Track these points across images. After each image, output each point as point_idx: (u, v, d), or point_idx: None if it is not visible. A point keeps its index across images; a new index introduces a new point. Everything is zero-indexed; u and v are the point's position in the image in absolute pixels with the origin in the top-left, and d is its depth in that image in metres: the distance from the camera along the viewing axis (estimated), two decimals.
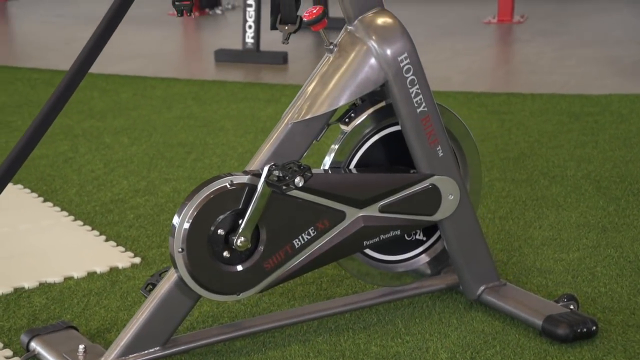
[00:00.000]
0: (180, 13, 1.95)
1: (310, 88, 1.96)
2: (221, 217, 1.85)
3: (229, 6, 6.48)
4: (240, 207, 1.86)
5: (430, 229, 2.15)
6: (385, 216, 2.00)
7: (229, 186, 1.85)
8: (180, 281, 1.86)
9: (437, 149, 2.01)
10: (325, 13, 1.92)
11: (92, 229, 2.64)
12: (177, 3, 1.94)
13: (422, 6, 6.52)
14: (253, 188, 1.86)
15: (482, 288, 2.13)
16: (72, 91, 1.81)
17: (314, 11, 1.92)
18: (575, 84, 4.26)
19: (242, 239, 1.85)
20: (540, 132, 3.50)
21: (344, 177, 1.99)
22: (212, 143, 3.43)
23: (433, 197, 2.03)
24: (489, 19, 5.89)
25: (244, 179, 1.87)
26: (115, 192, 2.93)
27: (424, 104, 1.97)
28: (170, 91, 4.21)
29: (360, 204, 1.97)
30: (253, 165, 1.93)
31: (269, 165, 1.85)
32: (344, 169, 2.03)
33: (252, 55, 4.83)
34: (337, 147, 2.01)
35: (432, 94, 1.99)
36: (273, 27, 1.88)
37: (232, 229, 1.86)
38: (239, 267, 1.88)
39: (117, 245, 2.53)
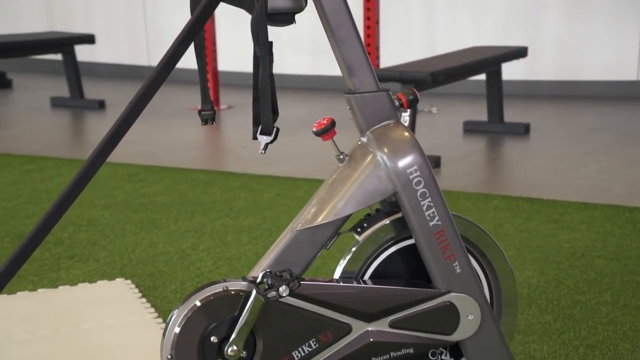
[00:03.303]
0: (205, 122, 2.00)
1: (318, 196, 1.92)
2: (214, 323, 1.83)
3: (429, 109, 6.55)
4: (235, 314, 1.83)
5: (458, 349, 2.00)
6: (396, 332, 1.89)
7: (223, 292, 1.84)
8: None
9: (454, 264, 1.89)
10: (334, 123, 1.90)
11: None
12: (202, 112, 1.99)
13: (614, 110, 6.18)
14: (248, 295, 1.83)
15: None
16: (88, 181, 1.83)
17: (324, 122, 1.90)
18: None
19: (234, 347, 1.81)
20: None
21: (351, 288, 1.90)
22: None
23: (450, 315, 1.89)
24: None
25: (240, 285, 1.84)
26: None
27: (437, 218, 1.87)
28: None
29: (368, 318, 1.88)
30: (256, 272, 1.91)
31: (263, 272, 1.83)
32: (357, 280, 1.95)
33: None
34: (348, 256, 1.95)
35: (447, 208, 1.87)
36: (254, 137, 1.88)
37: (226, 337, 1.82)
38: None
39: None
